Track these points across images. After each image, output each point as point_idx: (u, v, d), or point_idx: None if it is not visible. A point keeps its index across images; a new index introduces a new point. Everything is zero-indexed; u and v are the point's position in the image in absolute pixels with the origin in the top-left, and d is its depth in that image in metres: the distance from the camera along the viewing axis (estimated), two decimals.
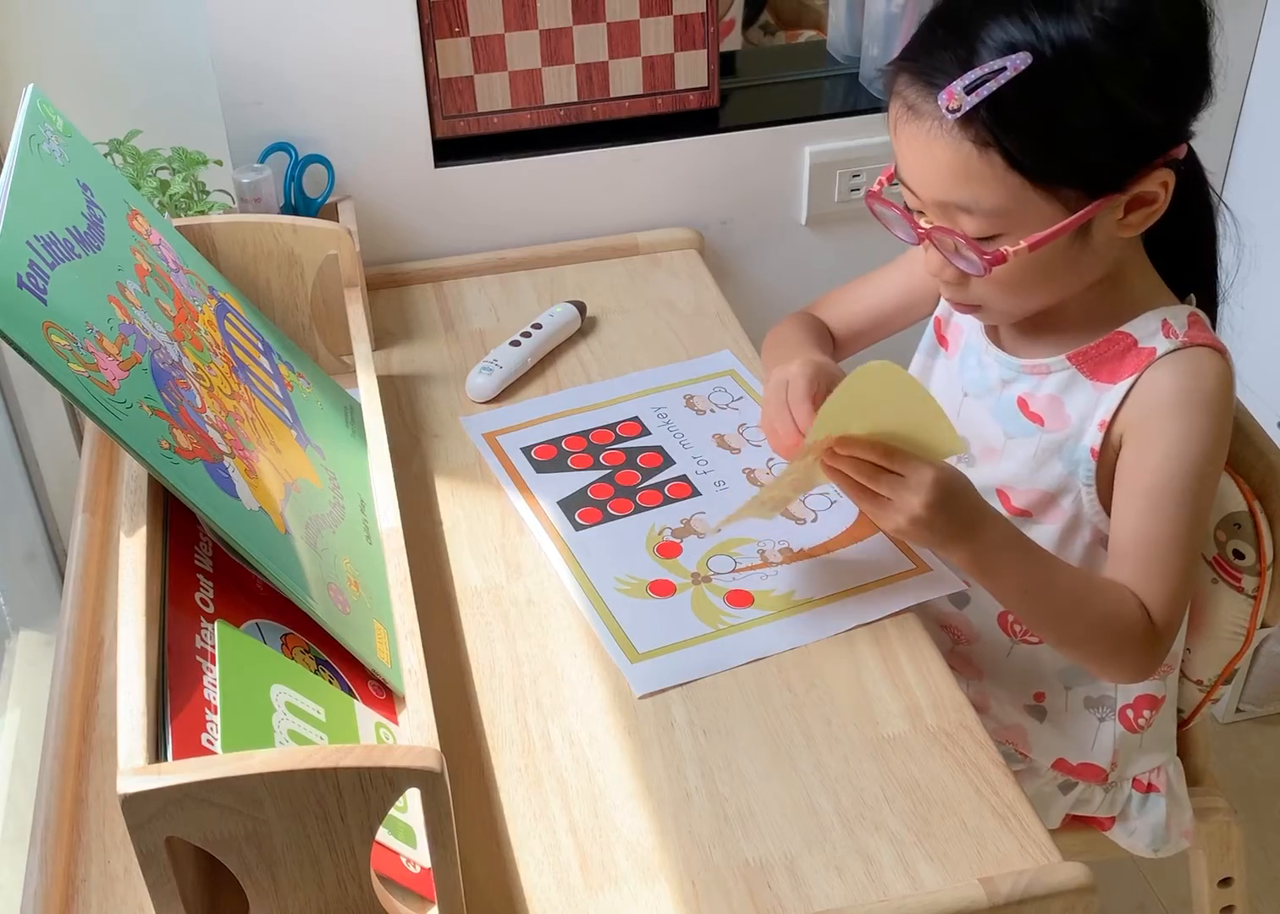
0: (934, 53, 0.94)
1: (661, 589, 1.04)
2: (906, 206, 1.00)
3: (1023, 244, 0.94)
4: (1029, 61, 0.89)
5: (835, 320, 1.25)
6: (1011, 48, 0.89)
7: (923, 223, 0.98)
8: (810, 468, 0.96)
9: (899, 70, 0.97)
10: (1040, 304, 1.02)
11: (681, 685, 0.96)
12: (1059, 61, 0.89)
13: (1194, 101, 0.95)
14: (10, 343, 0.73)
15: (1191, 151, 0.99)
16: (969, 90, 0.90)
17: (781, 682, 0.96)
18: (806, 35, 2.11)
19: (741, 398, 1.25)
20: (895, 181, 1.01)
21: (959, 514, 0.94)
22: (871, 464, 0.93)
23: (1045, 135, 0.91)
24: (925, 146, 0.94)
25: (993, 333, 1.11)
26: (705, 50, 1.46)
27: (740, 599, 1.03)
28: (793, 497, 1.09)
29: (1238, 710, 1.84)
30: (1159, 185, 0.94)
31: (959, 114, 0.90)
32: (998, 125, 0.90)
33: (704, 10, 1.44)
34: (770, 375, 1.07)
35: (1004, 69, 0.89)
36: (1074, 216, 0.94)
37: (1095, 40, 0.89)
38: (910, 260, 1.22)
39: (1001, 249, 0.95)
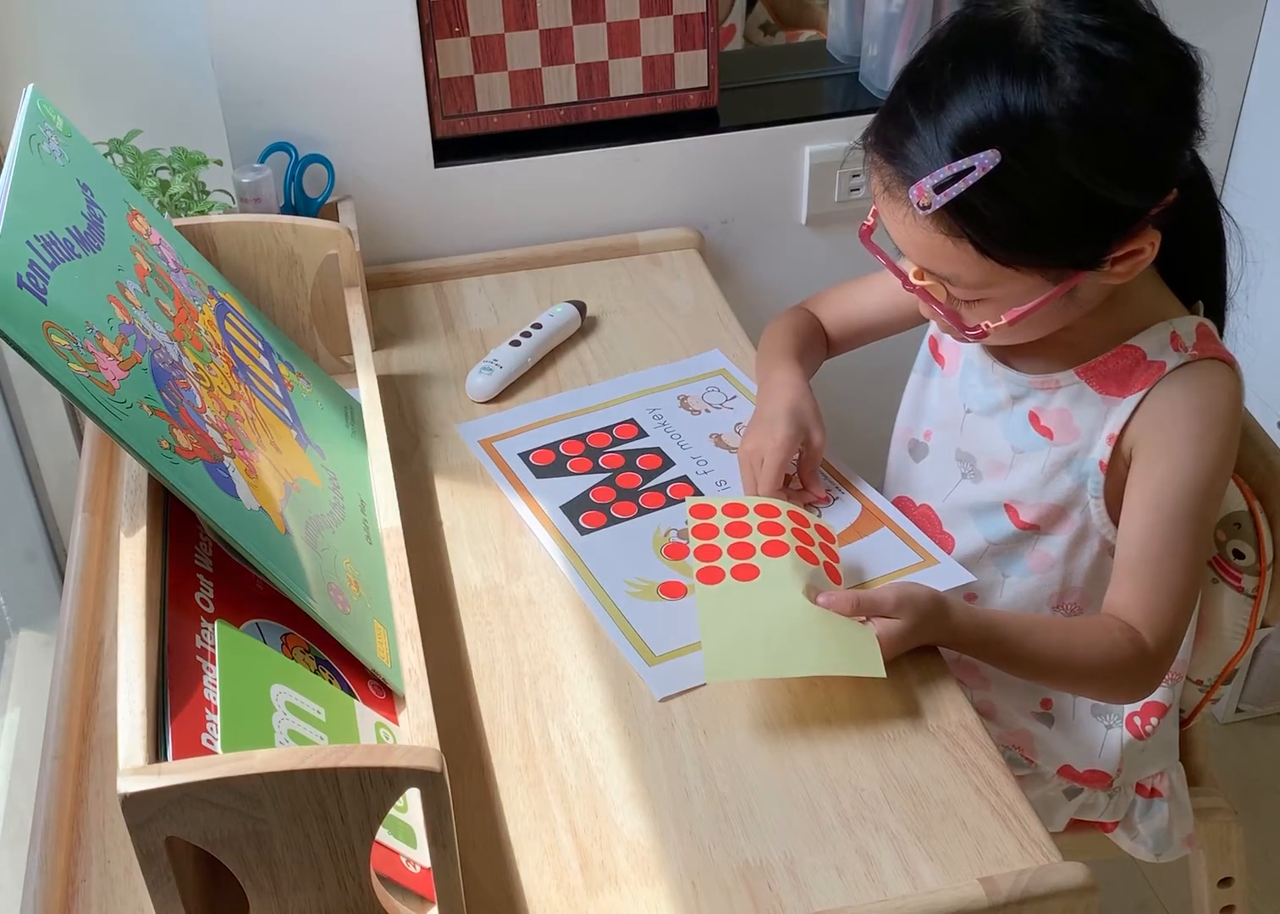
0: (904, 140, 0.93)
1: (672, 591, 1.04)
2: (898, 249, 1.00)
3: (1003, 320, 0.96)
4: (996, 160, 0.88)
5: (830, 317, 1.26)
6: (976, 139, 0.88)
7: (912, 276, 0.99)
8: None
9: (871, 148, 0.97)
10: (1038, 337, 1.02)
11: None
12: (1025, 154, 0.88)
13: (1173, 167, 0.93)
14: (10, 343, 0.73)
15: (1197, 158, 0.97)
16: (937, 190, 0.90)
17: (781, 681, 0.96)
18: (806, 35, 2.11)
19: (735, 396, 1.25)
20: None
21: (926, 636, 0.96)
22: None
23: (1015, 228, 0.91)
24: (903, 227, 0.96)
25: (996, 350, 1.11)
26: (705, 50, 1.46)
27: None
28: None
29: (1238, 710, 1.84)
30: (1145, 244, 0.94)
31: (929, 211, 0.91)
32: (966, 222, 0.91)
33: (704, 10, 1.44)
34: (755, 418, 1.13)
35: (972, 169, 0.88)
36: (1054, 290, 0.94)
37: (1063, 125, 0.88)
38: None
39: (982, 326, 0.97)
